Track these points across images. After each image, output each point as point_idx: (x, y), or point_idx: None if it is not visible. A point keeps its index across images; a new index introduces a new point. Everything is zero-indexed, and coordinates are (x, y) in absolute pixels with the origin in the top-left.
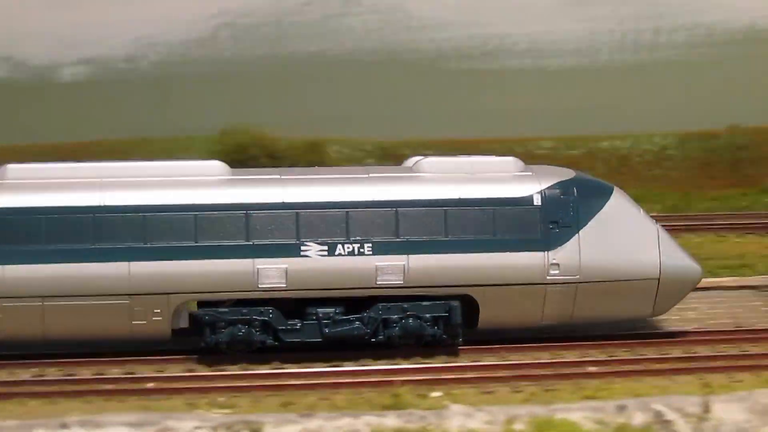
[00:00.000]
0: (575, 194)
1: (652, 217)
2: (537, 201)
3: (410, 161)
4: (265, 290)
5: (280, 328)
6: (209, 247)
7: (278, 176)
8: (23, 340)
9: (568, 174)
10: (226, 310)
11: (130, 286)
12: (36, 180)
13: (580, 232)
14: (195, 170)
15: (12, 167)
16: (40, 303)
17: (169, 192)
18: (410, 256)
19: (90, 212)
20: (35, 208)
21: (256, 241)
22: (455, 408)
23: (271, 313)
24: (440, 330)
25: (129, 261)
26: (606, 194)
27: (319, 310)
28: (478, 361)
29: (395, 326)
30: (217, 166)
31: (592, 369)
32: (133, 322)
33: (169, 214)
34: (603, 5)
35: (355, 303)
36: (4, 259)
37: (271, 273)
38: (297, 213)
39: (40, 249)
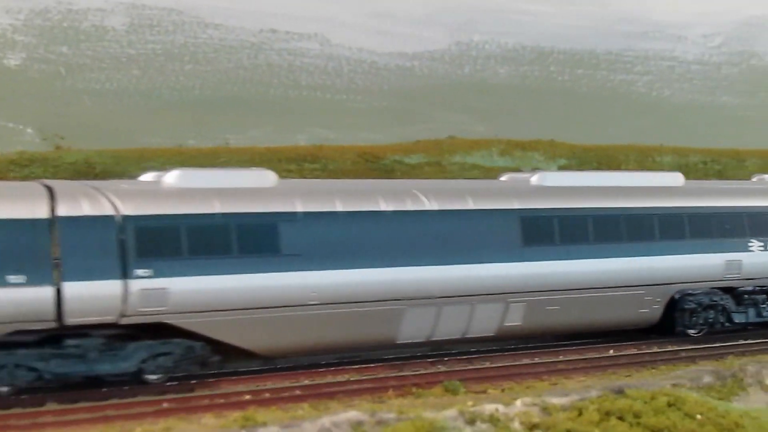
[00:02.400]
0: None
1: None
2: None
3: None
4: (727, 280)
5: (733, 311)
6: (694, 244)
7: (737, 186)
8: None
9: None
10: (703, 297)
11: (651, 277)
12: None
13: None
14: (657, 180)
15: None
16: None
17: (638, 199)
18: None
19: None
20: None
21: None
22: None
23: (728, 299)
24: None
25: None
26: None
27: (752, 297)
28: None
29: None
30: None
31: None
32: (639, 311)
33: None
34: None
35: None
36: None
37: (733, 265)
38: (743, 216)
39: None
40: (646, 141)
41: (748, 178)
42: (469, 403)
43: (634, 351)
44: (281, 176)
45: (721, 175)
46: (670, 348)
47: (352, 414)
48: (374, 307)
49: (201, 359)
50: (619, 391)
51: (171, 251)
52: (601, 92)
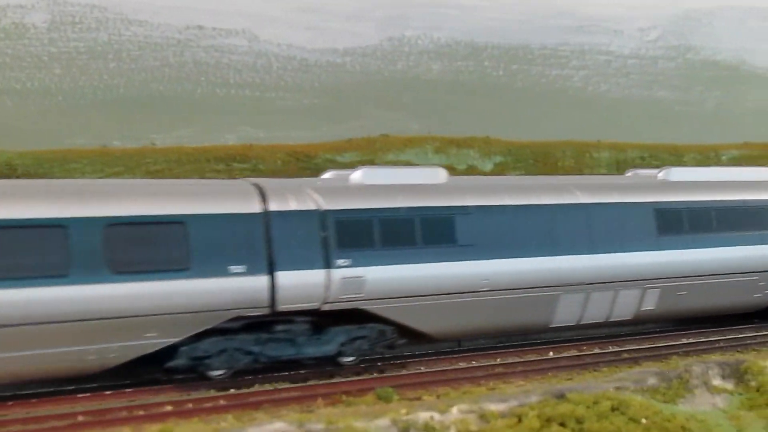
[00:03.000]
0: None
1: None
2: None
3: None
4: None
5: None
6: None
7: None
8: None
9: None
10: None
11: (765, 265)
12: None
13: None
14: None
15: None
16: None
17: (755, 192)
18: None
19: None
20: None
21: None
22: None
23: None
24: None
25: None
26: None
27: None
28: None
29: None
30: None
31: None
32: (754, 295)
33: None
34: None
35: None
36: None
37: None
38: None
39: None
40: (583, 136)
41: None
42: (403, 411)
43: (575, 353)
44: (209, 177)
45: None
46: (612, 349)
47: (279, 425)
48: (535, 293)
49: (390, 343)
50: (561, 396)
51: (365, 242)
52: (537, 88)
